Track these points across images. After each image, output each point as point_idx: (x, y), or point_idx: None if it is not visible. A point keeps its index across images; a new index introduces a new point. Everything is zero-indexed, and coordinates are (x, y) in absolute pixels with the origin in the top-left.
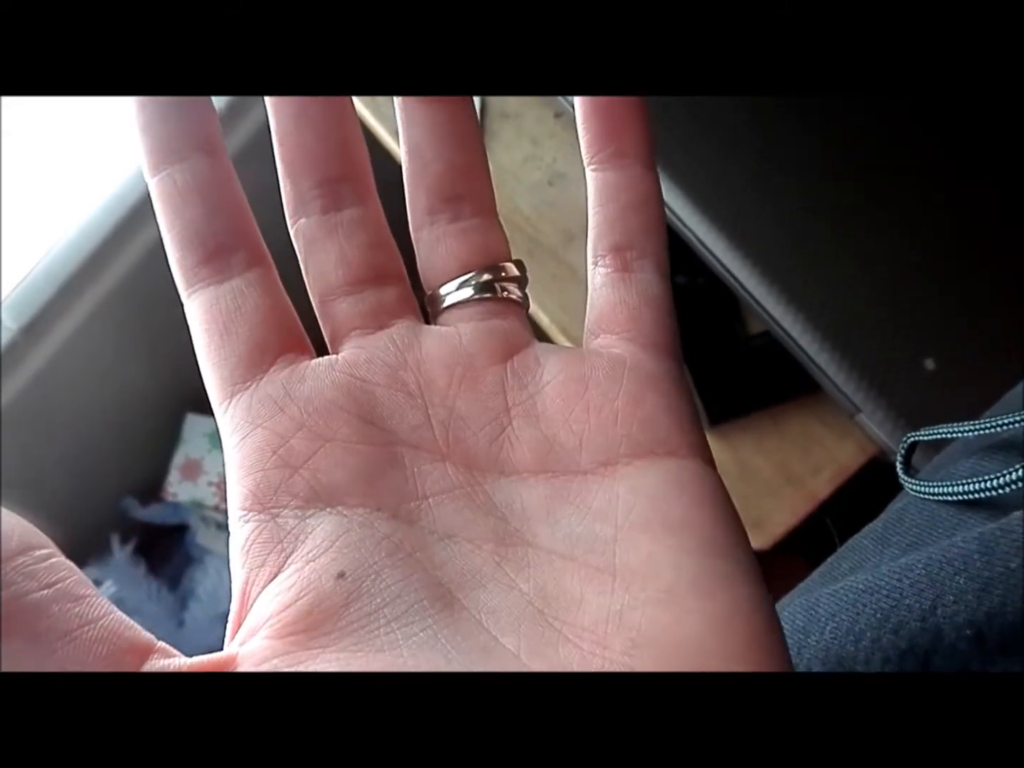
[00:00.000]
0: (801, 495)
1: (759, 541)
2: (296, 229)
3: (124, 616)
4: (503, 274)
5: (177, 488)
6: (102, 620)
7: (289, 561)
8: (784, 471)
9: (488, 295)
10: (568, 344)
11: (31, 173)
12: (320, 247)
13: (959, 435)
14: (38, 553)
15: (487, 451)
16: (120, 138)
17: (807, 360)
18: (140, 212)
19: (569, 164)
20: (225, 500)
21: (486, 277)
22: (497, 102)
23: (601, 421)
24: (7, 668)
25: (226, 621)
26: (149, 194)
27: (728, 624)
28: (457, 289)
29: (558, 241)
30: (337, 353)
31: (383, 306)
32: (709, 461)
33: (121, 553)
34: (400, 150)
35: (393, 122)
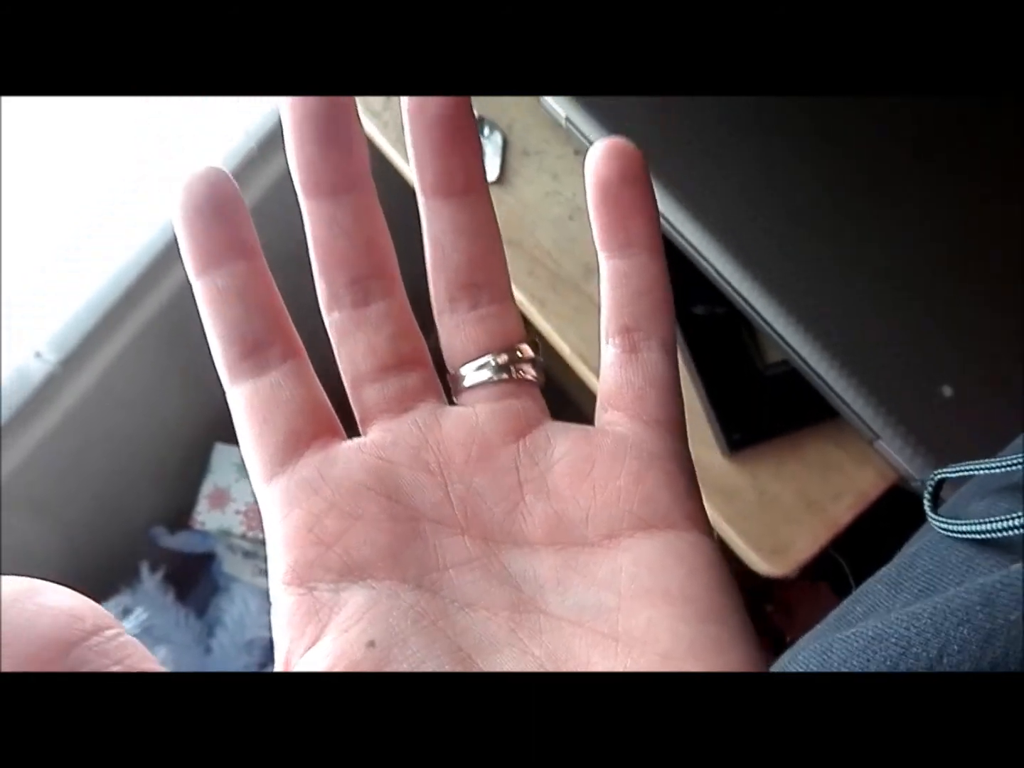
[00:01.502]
0: (822, 521)
1: (780, 568)
2: (330, 322)
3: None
4: (518, 355)
5: (205, 517)
6: None
7: (325, 631)
8: (804, 497)
9: (504, 376)
10: (588, 372)
11: (72, 214)
12: (351, 338)
13: (985, 471)
14: (108, 633)
15: (502, 524)
16: (156, 179)
17: (825, 388)
18: (174, 251)
19: None
20: (251, 528)
21: (502, 359)
22: (519, 140)
23: (606, 497)
24: None
25: (252, 648)
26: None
27: None
28: (476, 371)
29: (578, 273)
30: (366, 433)
31: (407, 391)
32: (707, 532)
33: (151, 580)
34: (424, 241)
35: (392, 130)
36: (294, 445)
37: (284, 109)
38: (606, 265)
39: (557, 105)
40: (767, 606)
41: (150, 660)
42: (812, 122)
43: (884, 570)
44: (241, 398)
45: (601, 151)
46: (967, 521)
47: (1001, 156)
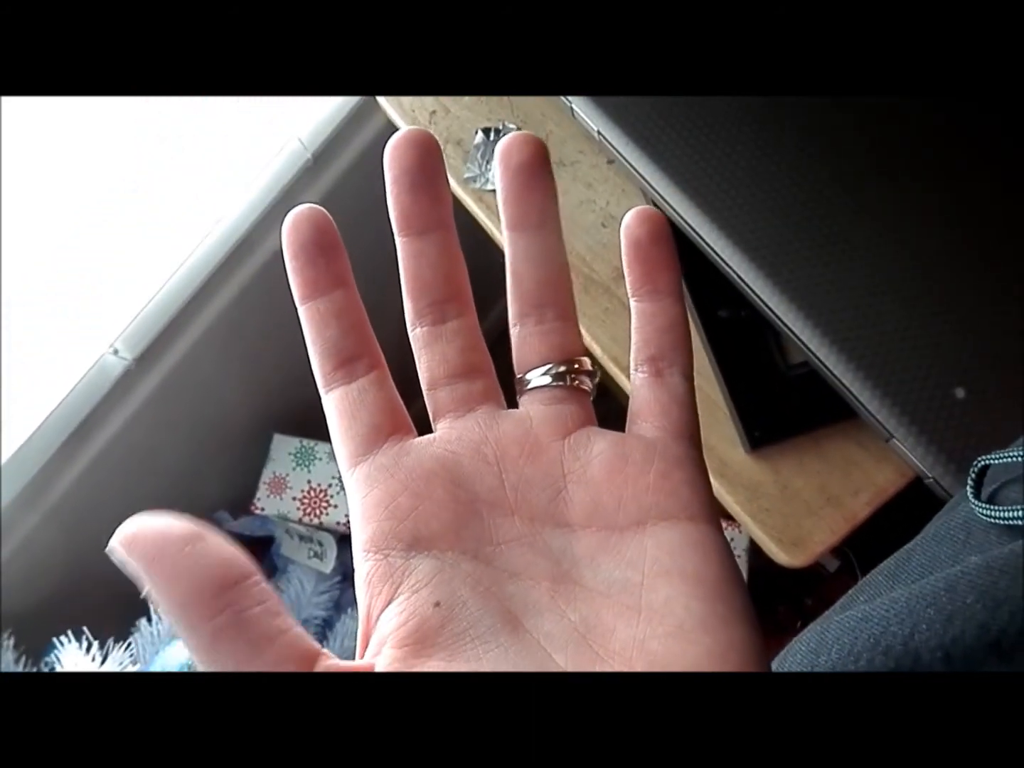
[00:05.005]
0: (841, 515)
1: (799, 559)
2: (413, 336)
3: (302, 628)
4: (576, 367)
5: (265, 502)
6: (292, 630)
7: (399, 592)
8: (824, 492)
9: (561, 383)
10: (618, 372)
11: (141, 219)
12: (429, 350)
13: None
14: (254, 579)
15: (546, 508)
16: (221, 187)
17: (842, 388)
18: (238, 255)
19: (620, 207)
20: (307, 514)
21: (562, 369)
22: (555, 151)
23: (636, 490)
24: (230, 663)
25: (306, 627)
26: (246, 239)
27: (723, 656)
28: (540, 376)
29: (610, 278)
30: (436, 428)
31: (472, 394)
32: (719, 525)
33: None
34: (505, 265)
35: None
36: (375, 437)
37: (386, 164)
38: (636, 307)
39: (589, 119)
40: (807, 599)
41: (281, 604)
42: (830, 129)
43: (885, 563)
44: (333, 401)
45: (633, 216)
46: (1008, 508)
47: (1019, 161)
